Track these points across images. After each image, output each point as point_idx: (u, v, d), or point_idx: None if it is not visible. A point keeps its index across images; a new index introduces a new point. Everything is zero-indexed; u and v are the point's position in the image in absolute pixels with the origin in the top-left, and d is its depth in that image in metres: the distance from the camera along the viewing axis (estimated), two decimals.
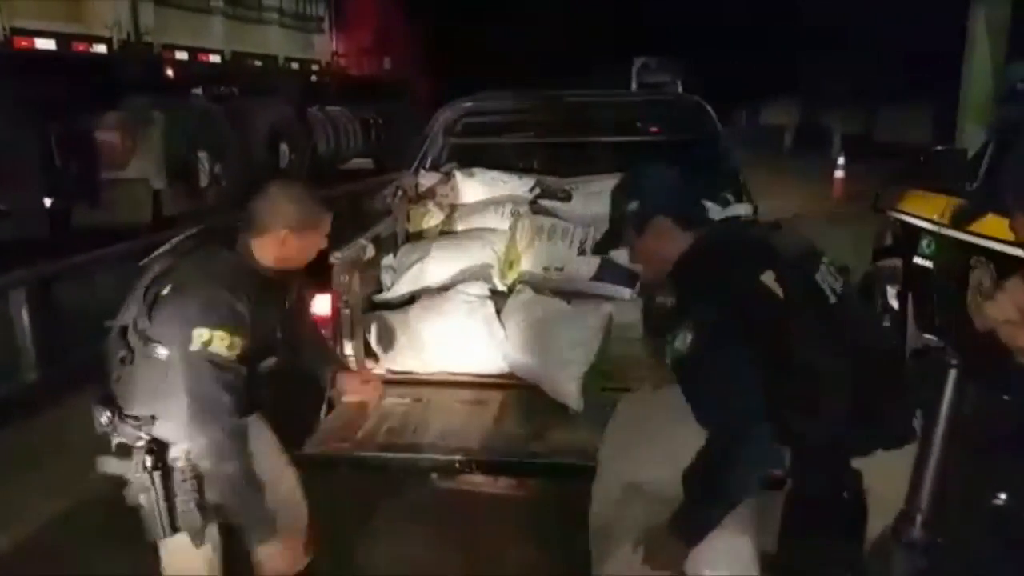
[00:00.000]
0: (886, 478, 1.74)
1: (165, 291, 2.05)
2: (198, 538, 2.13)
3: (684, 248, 1.88)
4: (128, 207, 6.69)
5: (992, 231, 3.45)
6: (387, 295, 3.54)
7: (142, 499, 2.07)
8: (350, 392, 2.77)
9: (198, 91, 8.36)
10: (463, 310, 3.04)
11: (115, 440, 2.11)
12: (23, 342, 4.52)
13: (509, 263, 3.49)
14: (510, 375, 3.00)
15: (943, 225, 3.99)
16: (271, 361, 2.27)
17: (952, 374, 1.43)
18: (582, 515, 2.20)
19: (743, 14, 23.44)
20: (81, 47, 6.11)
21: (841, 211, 10.16)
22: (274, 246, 2.15)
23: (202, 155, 7.62)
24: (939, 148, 4.87)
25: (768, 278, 1.66)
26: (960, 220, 3.66)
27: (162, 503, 2.07)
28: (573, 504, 2.93)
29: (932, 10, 13.63)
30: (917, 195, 4.45)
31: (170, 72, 7.38)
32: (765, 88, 25.06)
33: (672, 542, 1.74)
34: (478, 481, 2.73)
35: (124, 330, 2.12)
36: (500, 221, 3.79)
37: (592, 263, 3.36)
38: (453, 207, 4.06)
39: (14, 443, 4.00)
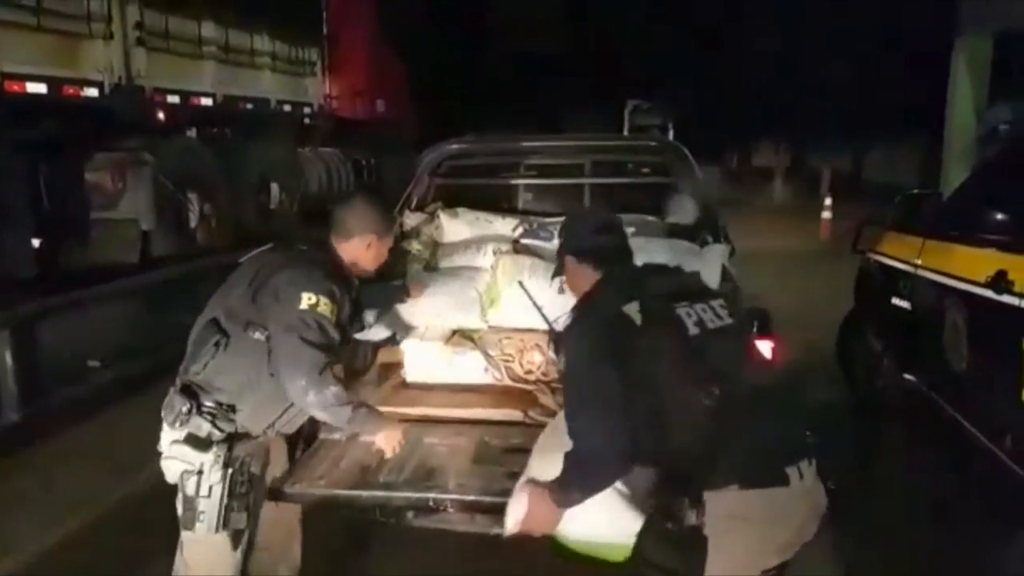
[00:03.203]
0: None
1: (271, 280, 2.22)
2: (238, 539, 2.21)
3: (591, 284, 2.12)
4: (117, 247, 6.70)
5: (966, 271, 3.51)
6: (368, 333, 3.56)
7: (212, 491, 2.14)
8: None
9: (191, 132, 8.42)
10: None
11: (183, 432, 2.18)
12: (5, 382, 4.50)
13: (491, 301, 3.52)
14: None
15: (919, 267, 4.05)
16: (341, 351, 2.40)
17: None
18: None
19: (733, 57, 23.84)
20: (72, 91, 6.14)
21: (827, 251, 10.25)
22: (359, 249, 2.44)
23: (192, 195, 7.64)
24: (915, 192, 4.95)
25: (631, 308, 1.83)
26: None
27: (226, 499, 2.15)
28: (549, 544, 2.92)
29: (922, 48, 13.86)
30: (894, 237, 4.52)
31: (161, 115, 7.42)
32: (755, 131, 25.37)
33: (548, 502, 1.95)
34: (454, 519, 2.72)
35: (215, 321, 2.23)
36: (483, 260, 3.82)
37: (571, 302, 3.38)
38: (437, 246, 4.10)
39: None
